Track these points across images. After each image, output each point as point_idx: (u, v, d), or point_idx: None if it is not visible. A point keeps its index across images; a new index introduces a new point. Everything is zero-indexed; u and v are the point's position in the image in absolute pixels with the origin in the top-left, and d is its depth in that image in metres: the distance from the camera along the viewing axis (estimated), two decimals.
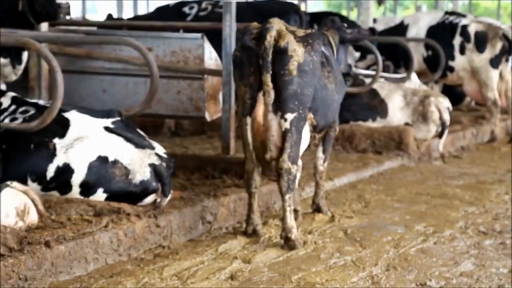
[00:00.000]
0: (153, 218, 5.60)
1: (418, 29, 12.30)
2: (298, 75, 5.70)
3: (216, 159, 7.54)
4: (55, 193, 5.66)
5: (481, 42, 11.59)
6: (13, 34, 6.39)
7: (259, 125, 5.72)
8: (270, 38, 5.62)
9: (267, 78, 5.62)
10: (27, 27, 7.09)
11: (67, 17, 7.52)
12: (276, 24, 5.74)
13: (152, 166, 5.79)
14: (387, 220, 6.78)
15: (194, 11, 10.41)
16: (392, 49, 11.96)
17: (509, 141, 11.81)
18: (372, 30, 13.15)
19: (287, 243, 5.74)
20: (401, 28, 12.59)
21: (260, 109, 5.70)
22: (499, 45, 11.52)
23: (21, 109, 5.94)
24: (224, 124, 7.55)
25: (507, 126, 12.41)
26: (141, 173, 5.74)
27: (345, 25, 7.01)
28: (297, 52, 5.69)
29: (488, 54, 11.56)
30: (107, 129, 5.85)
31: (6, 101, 6.05)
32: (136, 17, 12.90)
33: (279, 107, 5.70)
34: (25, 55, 7.50)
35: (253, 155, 5.88)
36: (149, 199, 5.85)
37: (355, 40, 7.15)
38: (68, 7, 7.18)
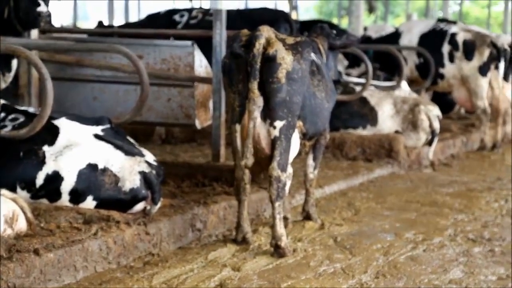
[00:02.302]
0: (142, 226, 5.60)
1: (411, 37, 12.33)
2: (287, 83, 5.70)
3: (206, 167, 7.53)
4: (44, 201, 5.64)
5: (469, 50, 11.62)
6: (2, 41, 6.38)
7: None
8: (259, 45, 5.63)
9: (254, 86, 5.62)
10: (13, 34, 7.08)
11: (60, 25, 7.46)
12: (265, 32, 5.75)
13: (142, 173, 5.78)
14: (377, 227, 6.79)
15: (184, 19, 10.41)
16: (386, 57, 11.96)
17: (491, 148, 11.83)
18: (368, 38, 13.17)
19: (277, 251, 5.74)
20: (395, 36, 12.63)
21: None
22: (487, 53, 11.55)
23: (10, 117, 5.92)
24: (214, 132, 7.55)
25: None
26: (131, 180, 5.73)
27: (334, 32, 7.02)
28: (286, 60, 5.70)
29: (476, 62, 11.60)
30: (96, 136, 5.85)
31: None
32: (127, 25, 12.89)
33: (268, 114, 5.71)
34: (14, 62, 7.48)
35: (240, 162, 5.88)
36: (139, 206, 5.83)
37: (344, 46, 7.15)
38: (49, 15, 7.16)
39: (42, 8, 7.09)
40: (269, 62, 5.67)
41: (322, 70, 6.28)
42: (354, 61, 13.02)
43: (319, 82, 6.18)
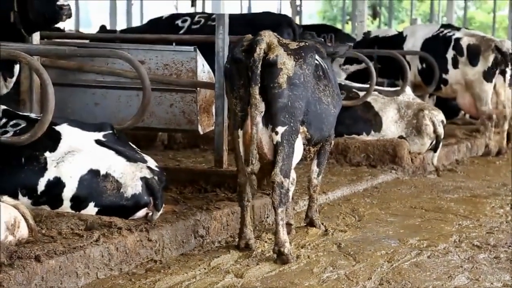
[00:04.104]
0: (145, 232, 5.56)
1: (414, 41, 12.26)
2: (288, 88, 5.66)
3: (208, 173, 7.50)
4: (46, 207, 5.61)
5: (473, 55, 11.54)
6: (4, 46, 6.35)
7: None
8: (259, 50, 5.59)
9: (255, 91, 5.59)
10: (18, 39, 7.03)
11: (61, 27, 7.34)
12: (267, 37, 5.71)
13: (144, 179, 5.75)
14: (381, 233, 6.75)
15: (187, 24, 10.41)
16: (389, 61, 11.84)
17: (496, 153, 11.77)
18: (374, 41, 13.04)
19: (280, 257, 5.70)
20: (399, 39, 12.54)
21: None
22: (491, 58, 11.47)
23: (12, 122, 5.90)
24: (217, 137, 7.52)
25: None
26: (133, 186, 5.71)
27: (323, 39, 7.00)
28: (287, 65, 5.66)
29: (481, 67, 11.52)
30: (98, 142, 5.82)
31: None
32: (129, 30, 12.89)
33: (270, 120, 5.68)
34: (16, 68, 7.45)
35: (245, 168, 5.83)
36: (141, 213, 5.81)
37: (335, 53, 7.10)
38: (70, 9, 7.03)
39: (62, 1, 6.95)
40: (270, 67, 5.63)
41: (328, 74, 6.24)
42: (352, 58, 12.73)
43: (325, 87, 6.13)
